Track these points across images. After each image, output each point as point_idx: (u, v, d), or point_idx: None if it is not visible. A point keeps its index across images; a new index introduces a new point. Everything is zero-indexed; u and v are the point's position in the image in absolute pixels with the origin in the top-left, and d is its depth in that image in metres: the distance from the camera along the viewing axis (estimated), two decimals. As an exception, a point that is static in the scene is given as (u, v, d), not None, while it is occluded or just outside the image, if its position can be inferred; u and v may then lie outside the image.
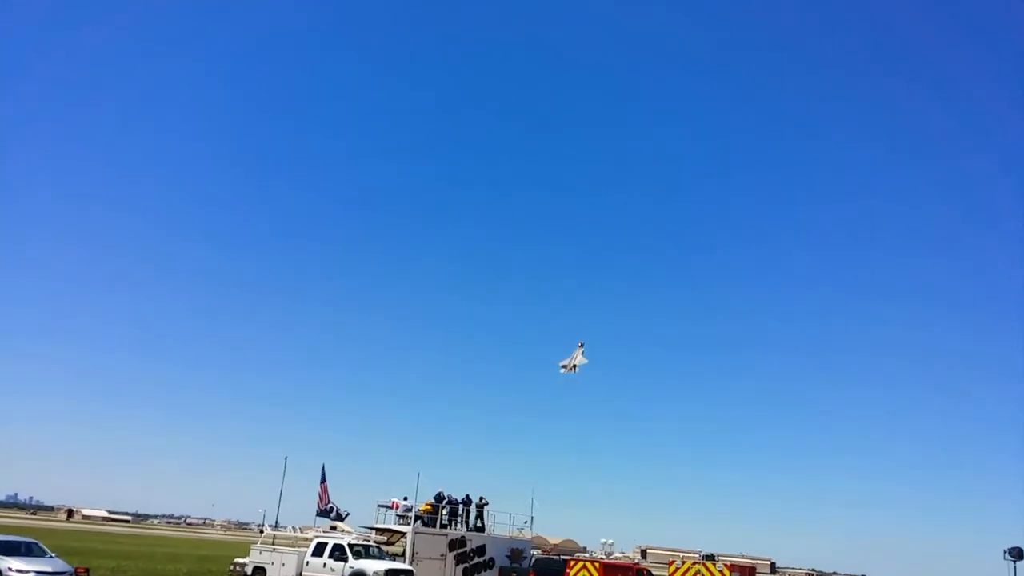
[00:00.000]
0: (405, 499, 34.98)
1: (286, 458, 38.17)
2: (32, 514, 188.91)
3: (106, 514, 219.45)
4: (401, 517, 34.75)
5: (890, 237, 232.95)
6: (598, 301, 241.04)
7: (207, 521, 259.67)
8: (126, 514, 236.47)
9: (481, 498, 37.37)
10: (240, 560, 33.60)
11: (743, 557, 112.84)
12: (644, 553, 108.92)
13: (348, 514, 36.58)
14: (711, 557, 41.15)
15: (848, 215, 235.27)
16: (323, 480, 36.00)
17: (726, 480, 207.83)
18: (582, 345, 41.09)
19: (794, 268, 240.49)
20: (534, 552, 39.92)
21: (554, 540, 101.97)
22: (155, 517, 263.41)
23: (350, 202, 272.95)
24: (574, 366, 40.75)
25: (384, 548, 32.79)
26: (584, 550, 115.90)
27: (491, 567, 35.36)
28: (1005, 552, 37.52)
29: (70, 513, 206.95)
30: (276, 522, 37.97)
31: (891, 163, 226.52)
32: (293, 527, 38.94)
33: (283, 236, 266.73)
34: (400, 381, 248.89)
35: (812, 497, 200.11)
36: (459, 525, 36.01)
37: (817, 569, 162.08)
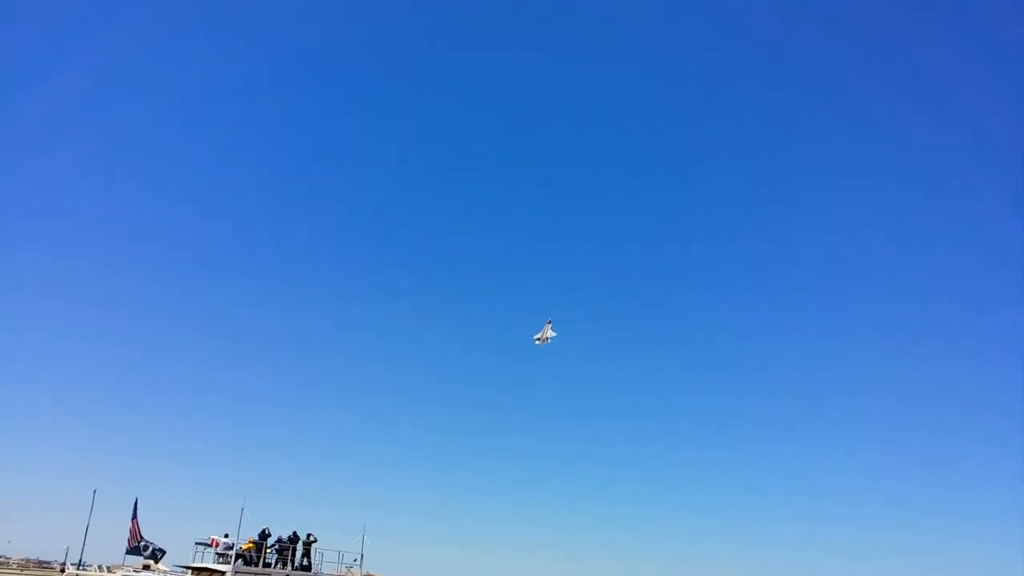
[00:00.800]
0: (226, 536, 33.94)
1: (95, 491, 36.06)
2: None
3: None
4: (221, 555, 33.59)
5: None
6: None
7: (1, 559, 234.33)
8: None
9: (309, 535, 36.57)
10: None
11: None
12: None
13: (164, 553, 34.88)
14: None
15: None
16: (135, 515, 34.02)
17: (560, 515, 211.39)
18: (550, 321, 45.58)
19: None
20: (363, 591, 39.45)
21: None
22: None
23: (163, 203, 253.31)
24: (546, 338, 44.99)
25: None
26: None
27: (316, 607, 34.62)
28: None
29: None
30: (80, 560, 35.88)
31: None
32: (99, 566, 36.81)
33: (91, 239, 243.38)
34: (223, 407, 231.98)
35: (642, 529, 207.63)
36: (285, 564, 35.03)
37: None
